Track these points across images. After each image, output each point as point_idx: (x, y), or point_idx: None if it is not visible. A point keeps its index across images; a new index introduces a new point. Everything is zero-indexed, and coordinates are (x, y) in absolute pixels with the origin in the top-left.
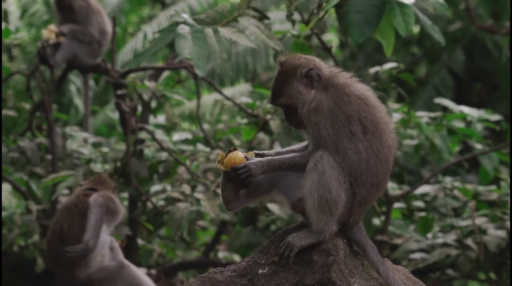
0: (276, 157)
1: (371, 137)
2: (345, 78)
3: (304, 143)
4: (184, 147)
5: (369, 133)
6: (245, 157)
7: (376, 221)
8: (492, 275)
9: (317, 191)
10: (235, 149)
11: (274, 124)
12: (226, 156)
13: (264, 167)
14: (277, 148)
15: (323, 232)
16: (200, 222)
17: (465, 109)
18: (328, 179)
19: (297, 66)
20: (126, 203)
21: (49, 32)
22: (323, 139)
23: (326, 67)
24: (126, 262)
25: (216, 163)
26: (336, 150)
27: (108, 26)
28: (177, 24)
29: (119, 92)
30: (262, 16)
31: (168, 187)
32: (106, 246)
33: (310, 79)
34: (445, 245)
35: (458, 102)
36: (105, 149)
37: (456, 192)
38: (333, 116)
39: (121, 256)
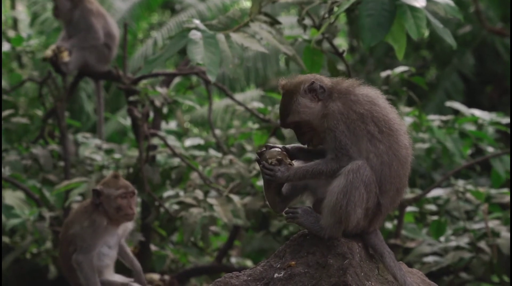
0: (302, 166)
1: (388, 137)
2: (348, 83)
3: None
4: (196, 152)
5: (385, 134)
6: (278, 158)
7: (389, 225)
8: (506, 278)
9: (337, 195)
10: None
11: None
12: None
13: (290, 177)
14: None
15: (325, 230)
16: (213, 228)
17: (477, 112)
18: (353, 191)
19: (299, 83)
20: (139, 209)
21: (51, 51)
22: (343, 144)
23: (327, 79)
24: None
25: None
26: (359, 153)
27: (115, 29)
28: (188, 30)
29: (131, 98)
30: (273, 21)
31: (181, 193)
32: (110, 254)
33: (315, 93)
34: (458, 248)
35: (469, 105)
36: (117, 156)
37: (468, 195)
38: (345, 117)
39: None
